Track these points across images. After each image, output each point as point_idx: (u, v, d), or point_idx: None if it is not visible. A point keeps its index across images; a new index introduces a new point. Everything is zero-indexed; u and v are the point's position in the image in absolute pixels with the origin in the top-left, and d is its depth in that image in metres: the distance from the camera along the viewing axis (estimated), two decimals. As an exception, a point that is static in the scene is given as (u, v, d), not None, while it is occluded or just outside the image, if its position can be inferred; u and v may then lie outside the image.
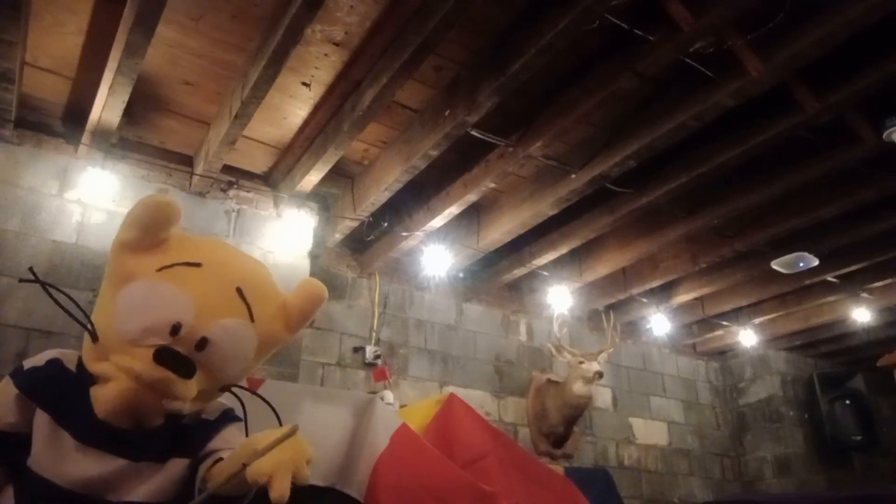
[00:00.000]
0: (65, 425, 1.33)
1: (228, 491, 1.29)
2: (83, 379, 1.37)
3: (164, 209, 1.41)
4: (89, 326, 1.38)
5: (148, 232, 1.40)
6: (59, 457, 1.32)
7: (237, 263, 1.54)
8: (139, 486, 1.37)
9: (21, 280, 1.48)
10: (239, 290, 1.43)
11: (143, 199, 1.43)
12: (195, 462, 1.45)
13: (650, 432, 5.72)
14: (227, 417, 1.53)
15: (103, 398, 1.31)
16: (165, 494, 1.41)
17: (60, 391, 1.37)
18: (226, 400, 1.56)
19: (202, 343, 1.35)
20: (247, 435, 1.49)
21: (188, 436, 1.45)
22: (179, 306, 1.34)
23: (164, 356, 1.30)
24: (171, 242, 1.43)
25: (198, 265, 1.40)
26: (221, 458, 1.41)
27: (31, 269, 1.47)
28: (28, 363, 1.43)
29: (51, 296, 1.40)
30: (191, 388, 1.35)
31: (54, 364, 1.41)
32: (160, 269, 1.37)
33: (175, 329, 1.32)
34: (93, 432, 1.33)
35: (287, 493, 1.20)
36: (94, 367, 1.35)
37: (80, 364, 1.42)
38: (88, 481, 1.32)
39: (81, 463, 1.31)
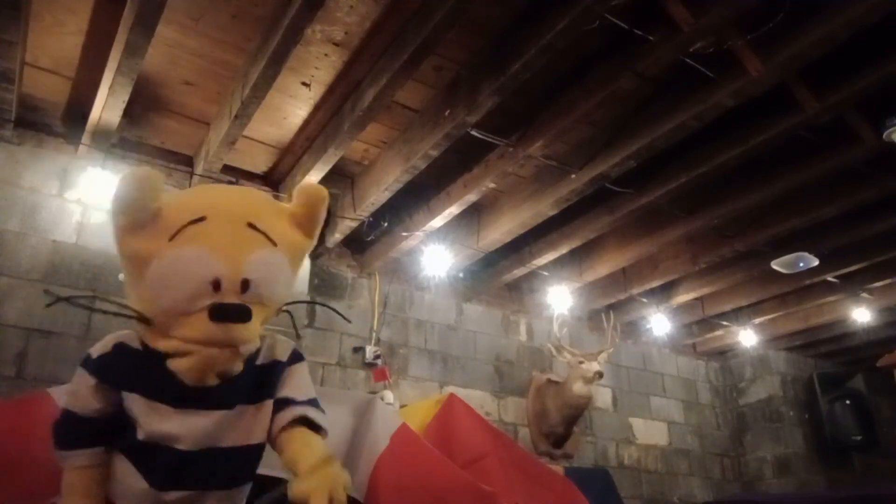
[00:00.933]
0: (155, 397, 1.41)
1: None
2: (152, 354, 1.43)
3: (146, 182, 1.43)
4: (136, 314, 1.44)
5: (139, 210, 1.42)
6: (163, 426, 1.41)
7: (236, 201, 1.57)
8: (241, 430, 1.48)
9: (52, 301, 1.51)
10: (250, 225, 1.47)
11: (122, 179, 1.44)
12: (275, 404, 1.55)
13: (650, 432, 5.72)
14: (295, 358, 1.62)
15: (186, 369, 1.39)
16: (264, 432, 1.51)
17: (137, 370, 1.44)
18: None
19: (245, 285, 1.41)
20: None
21: (267, 377, 1.55)
22: (208, 263, 1.39)
23: (218, 313, 1.37)
24: (165, 209, 1.44)
25: (202, 219, 1.43)
26: (291, 409, 1.52)
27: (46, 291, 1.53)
28: (95, 351, 1.49)
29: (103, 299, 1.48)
30: (253, 328, 1.42)
31: (121, 348, 1.47)
32: (171, 239, 1.40)
33: (216, 284, 1.37)
34: (184, 396, 1.41)
35: None
36: (163, 344, 1.42)
37: (143, 342, 1.47)
38: (196, 438, 1.42)
39: (185, 424, 1.41)
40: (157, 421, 1.41)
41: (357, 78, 3.18)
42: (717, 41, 2.82)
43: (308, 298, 1.69)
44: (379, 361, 4.37)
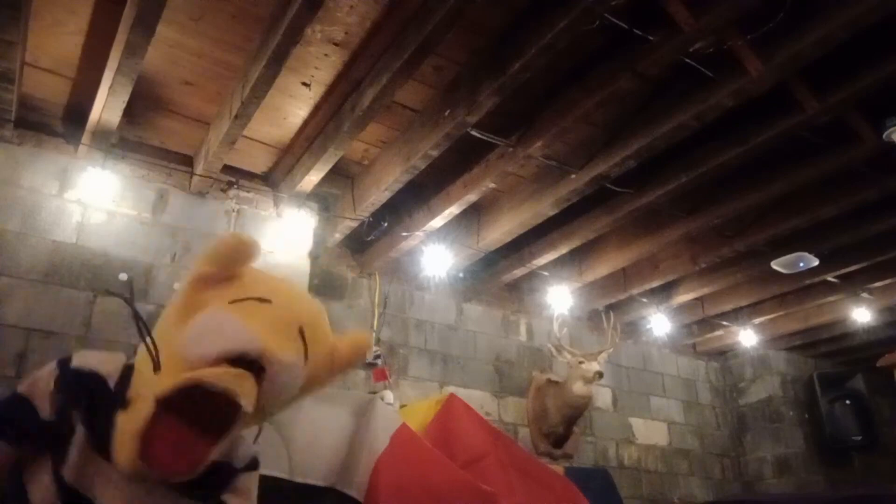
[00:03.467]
0: (98, 448, 1.33)
1: None
2: (119, 396, 1.36)
3: (244, 248, 1.46)
4: (153, 351, 1.37)
5: (225, 268, 1.45)
6: (93, 480, 1.32)
7: (303, 304, 1.59)
8: None
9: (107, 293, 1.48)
10: (300, 331, 1.47)
11: (224, 237, 1.49)
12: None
13: (650, 432, 5.72)
14: (250, 466, 1.56)
15: (116, 458, 1.29)
16: None
17: (102, 408, 1.35)
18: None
19: (260, 368, 1.38)
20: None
21: (214, 476, 1.46)
22: (246, 339, 1.37)
23: (237, 363, 1.34)
24: (244, 277, 1.48)
25: (268, 301, 1.45)
26: None
27: (126, 279, 1.50)
28: (78, 359, 1.42)
29: (140, 326, 1.40)
30: (253, 390, 1.36)
31: (96, 379, 1.39)
32: (232, 302, 1.41)
33: (242, 358, 1.35)
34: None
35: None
36: (153, 386, 1.33)
37: (124, 379, 1.40)
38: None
39: (123, 492, 1.33)
40: (90, 467, 1.32)
41: (357, 78, 3.18)
42: (717, 41, 2.82)
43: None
44: (379, 361, 4.36)
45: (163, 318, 1.49)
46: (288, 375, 1.44)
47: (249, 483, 1.55)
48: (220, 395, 1.30)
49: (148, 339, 1.38)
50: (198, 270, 1.46)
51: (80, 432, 1.34)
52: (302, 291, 1.73)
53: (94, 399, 1.37)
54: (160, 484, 1.36)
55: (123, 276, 1.44)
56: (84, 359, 1.44)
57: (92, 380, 1.39)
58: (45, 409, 1.36)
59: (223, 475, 1.49)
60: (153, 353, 1.37)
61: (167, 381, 1.30)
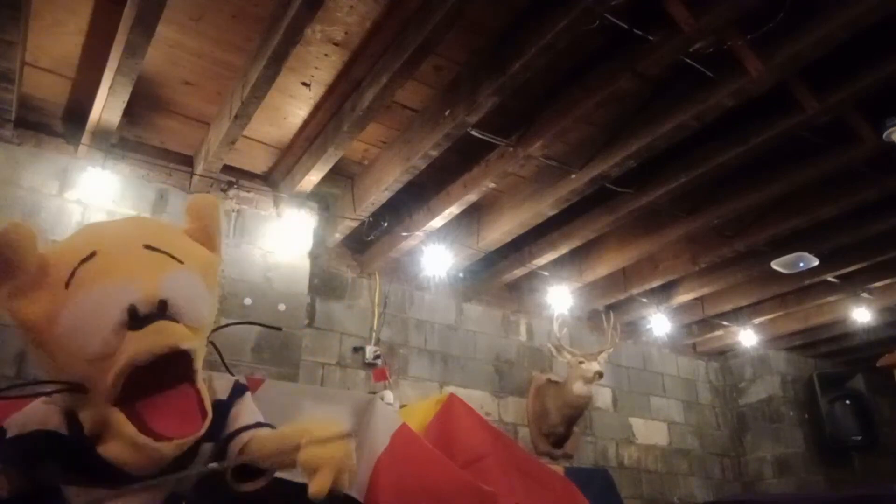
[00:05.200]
0: (93, 484, 1.26)
1: (268, 463, 1.32)
2: (82, 437, 1.28)
3: (16, 237, 1.27)
4: (68, 386, 1.27)
5: (20, 268, 1.26)
6: (101, 497, 1.27)
7: (123, 229, 1.47)
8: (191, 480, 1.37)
9: None
10: (148, 247, 1.36)
11: None
12: (219, 443, 1.44)
13: (650, 432, 5.72)
14: (237, 392, 1.52)
15: (121, 461, 1.25)
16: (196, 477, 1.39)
17: (65, 458, 1.28)
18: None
19: (162, 305, 1.29)
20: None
21: (214, 421, 1.42)
22: (117, 292, 1.26)
23: (136, 323, 1.24)
24: (50, 257, 1.31)
25: (93, 255, 1.31)
26: (245, 432, 1.41)
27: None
28: (11, 429, 1.29)
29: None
30: (181, 329, 1.29)
31: (40, 437, 1.28)
32: (67, 285, 1.27)
33: (132, 311, 1.25)
34: (127, 477, 1.27)
35: (326, 491, 1.20)
36: (105, 413, 1.27)
37: (70, 421, 1.31)
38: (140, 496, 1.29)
39: (141, 498, 1.29)
40: (94, 496, 1.25)
41: (357, 78, 3.18)
42: (717, 41, 2.82)
43: (227, 322, 1.58)
44: (379, 361, 4.37)
45: (36, 356, 1.36)
46: (182, 287, 1.35)
47: (244, 404, 1.50)
48: (160, 358, 1.24)
49: (49, 387, 1.28)
50: (1, 297, 1.29)
51: (66, 490, 1.26)
52: (110, 222, 1.60)
53: (57, 454, 1.28)
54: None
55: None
56: (20, 422, 1.31)
57: (44, 439, 1.29)
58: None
59: (219, 411, 1.44)
60: (66, 385, 1.27)
61: (106, 386, 1.23)
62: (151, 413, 1.25)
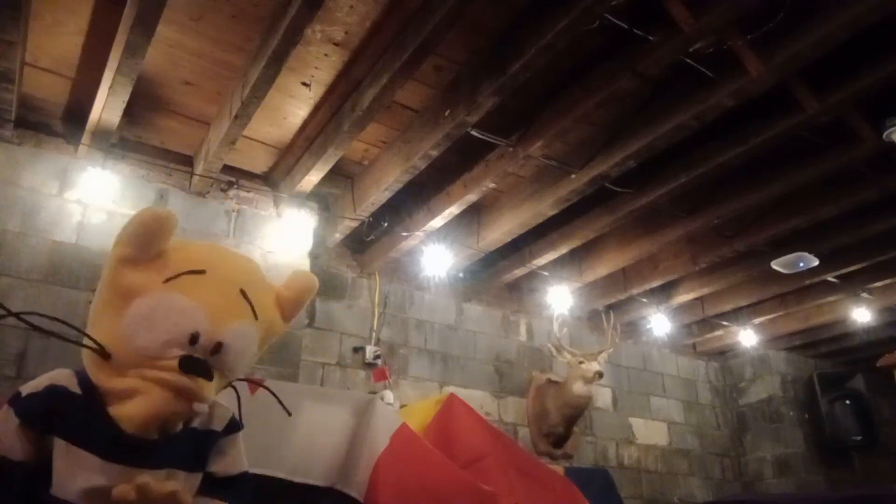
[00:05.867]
0: (83, 445, 1.33)
1: None
2: (92, 398, 1.37)
3: (162, 222, 1.42)
4: (95, 346, 1.39)
5: (146, 246, 1.41)
6: (83, 479, 1.31)
7: (237, 265, 1.59)
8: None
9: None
10: (242, 292, 1.48)
11: (140, 213, 1.44)
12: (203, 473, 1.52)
13: (650, 432, 5.72)
14: (231, 428, 1.58)
15: (135, 413, 1.32)
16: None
17: (70, 415, 1.35)
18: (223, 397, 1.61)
19: (217, 348, 1.41)
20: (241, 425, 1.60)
21: (201, 446, 1.50)
22: (193, 316, 1.38)
23: (189, 364, 1.36)
24: (170, 252, 1.45)
25: (202, 272, 1.44)
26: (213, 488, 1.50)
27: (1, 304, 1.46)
28: (26, 389, 1.39)
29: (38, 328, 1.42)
30: (210, 389, 1.42)
31: (54, 390, 1.38)
32: (166, 281, 1.40)
33: (194, 339, 1.37)
34: (116, 448, 1.33)
35: None
36: (114, 383, 1.36)
37: (83, 383, 1.40)
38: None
39: (108, 479, 1.31)
40: (76, 472, 1.30)
41: (357, 78, 3.18)
42: (717, 41, 2.82)
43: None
44: (379, 361, 4.37)
45: (93, 309, 1.47)
46: (242, 340, 1.47)
47: (232, 444, 1.57)
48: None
49: (85, 339, 1.39)
50: (118, 254, 1.42)
51: (59, 445, 1.32)
52: (233, 252, 1.72)
53: (66, 408, 1.35)
54: (147, 460, 1.36)
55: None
56: (34, 383, 1.40)
57: (55, 393, 1.37)
58: (16, 451, 1.32)
59: (209, 441, 1.51)
60: (95, 347, 1.37)
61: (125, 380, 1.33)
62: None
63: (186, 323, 1.37)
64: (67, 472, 1.31)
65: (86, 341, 1.39)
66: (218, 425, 1.54)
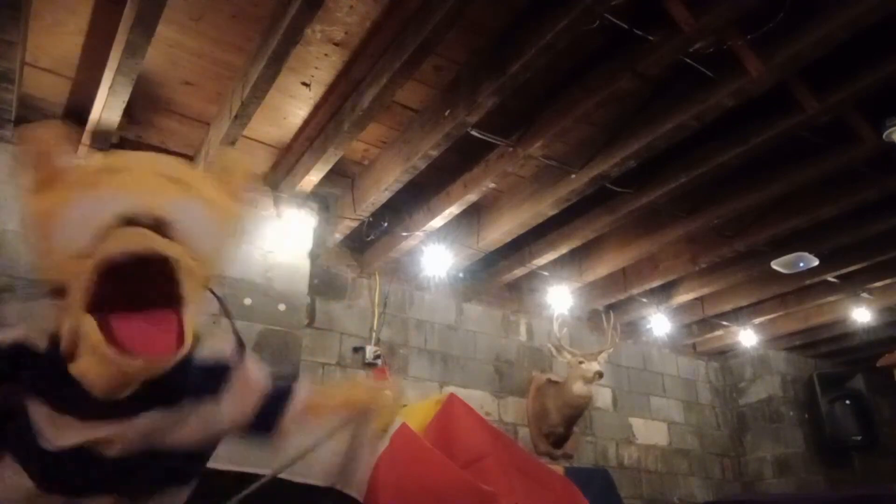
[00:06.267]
0: (59, 410, 1.20)
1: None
2: (56, 354, 1.22)
3: (55, 136, 1.29)
4: (50, 288, 1.23)
5: (47, 163, 1.27)
6: (82, 434, 1.19)
7: (151, 157, 1.41)
8: (194, 426, 1.29)
9: None
10: (166, 175, 1.29)
11: (28, 133, 1.29)
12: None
13: (650, 432, 5.72)
14: (241, 350, 1.46)
15: (87, 371, 1.18)
16: (189, 441, 1.32)
17: (38, 374, 1.22)
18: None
19: (161, 221, 1.19)
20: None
21: (207, 380, 1.35)
22: (117, 199, 1.20)
23: (126, 223, 1.17)
24: (75, 166, 1.30)
25: (115, 170, 1.28)
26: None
27: None
28: None
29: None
30: (170, 243, 1.19)
31: (19, 348, 1.24)
32: (76, 184, 1.24)
33: (126, 217, 1.17)
34: (94, 407, 1.19)
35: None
36: (63, 326, 1.21)
37: (51, 339, 1.25)
38: (130, 441, 1.21)
39: (111, 428, 1.20)
40: (67, 433, 1.19)
41: (357, 78, 3.17)
42: (717, 41, 2.82)
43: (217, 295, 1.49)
44: (379, 361, 4.37)
45: (36, 261, 1.29)
46: (190, 213, 1.26)
47: (247, 367, 1.43)
48: (143, 263, 1.14)
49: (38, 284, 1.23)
50: (24, 186, 1.28)
51: (33, 406, 1.20)
52: (150, 154, 1.59)
53: (30, 370, 1.22)
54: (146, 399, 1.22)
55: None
56: (1, 333, 1.26)
57: (21, 355, 1.23)
58: None
59: (222, 374, 1.37)
60: (50, 284, 1.22)
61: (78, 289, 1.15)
62: (123, 326, 1.16)
63: (111, 208, 1.18)
64: (55, 433, 1.19)
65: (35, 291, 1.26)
66: (224, 353, 1.41)
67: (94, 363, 1.17)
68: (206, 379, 1.34)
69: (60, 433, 1.18)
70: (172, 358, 1.19)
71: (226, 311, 1.47)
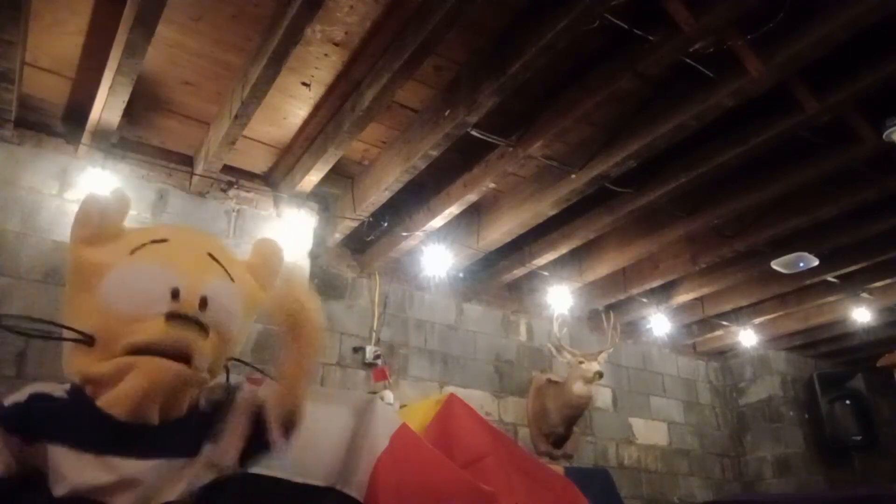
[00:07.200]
0: (81, 446, 1.26)
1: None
2: (80, 397, 1.32)
3: (117, 201, 1.45)
4: (77, 335, 1.34)
5: (105, 224, 1.43)
6: (93, 476, 1.25)
7: (197, 235, 1.61)
8: (179, 484, 1.33)
9: None
10: (210, 255, 1.46)
11: (90, 195, 1.47)
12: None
13: (650, 432, 5.72)
14: (236, 388, 1.53)
15: (125, 392, 1.28)
16: (195, 484, 1.37)
17: (59, 417, 1.29)
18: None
19: (203, 302, 1.36)
20: None
21: (213, 424, 1.43)
22: (169, 274, 1.35)
23: (176, 316, 1.32)
24: (129, 231, 1.46)
25: (165, 240, 1.43)
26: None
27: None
28: (8, 400, 1.33)
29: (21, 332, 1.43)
30: (206, 347, 1.36)
31: (38, 397, 1.32)
32: (133, 252, 1.39)
33: (175, 293, 1.33)
34: (111, 440, 1.27)
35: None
36: (101, 367, 1.31)
37: (70, 390, 1.35)
38: (133, 490, 1.26)
39: (118, 471, 1.26)
40: (84, 472, 1.24)
41: (357, 78, 3.18)
42: (717, 41, 2.82)
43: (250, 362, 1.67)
44: (379, 361, 4.37)
45: (67, 302, 1.46)
46: (226, 296, 1.43)
47: (242, 398, 1.49)
48: (171, 352, 1.30)
49: (65, 332, 1.35)
50: (76, 236, 1.43)
51: (51, 451, 1.25)
52: (190, 227, 1.77)
53: (52, 412, 1.29)
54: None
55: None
56: (17, 394, 1.34)
57: (39, 398, 1.31)
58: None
59: (223, 415, 1.44)
60: (77, 333, 1.33)
61: (116, 346, 1.29)
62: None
63: (164, 280, 1.34)
64: (72, 471, 1.25)
65: (66, 333, 1.35)
66: (221, 396, 1.48)
67: (130, 380, 1.27)
68: (206, 425, 1.42)
69: (79, 472, 1.24)
70: (200, 373, 1.34)
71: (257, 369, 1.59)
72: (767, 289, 5.22)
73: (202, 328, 1.35)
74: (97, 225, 1.42)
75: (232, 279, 1.46)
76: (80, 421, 1.29)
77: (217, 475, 1.41)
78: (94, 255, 1.40)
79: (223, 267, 1.46)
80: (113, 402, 1.28)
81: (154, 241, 1.42)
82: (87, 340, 1.33)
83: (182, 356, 1.32)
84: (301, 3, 2.49)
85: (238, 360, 1.55)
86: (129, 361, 1.29)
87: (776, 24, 2.70)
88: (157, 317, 1.31)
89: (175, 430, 1.34)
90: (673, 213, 4.23)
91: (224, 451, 1.42)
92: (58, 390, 1.35)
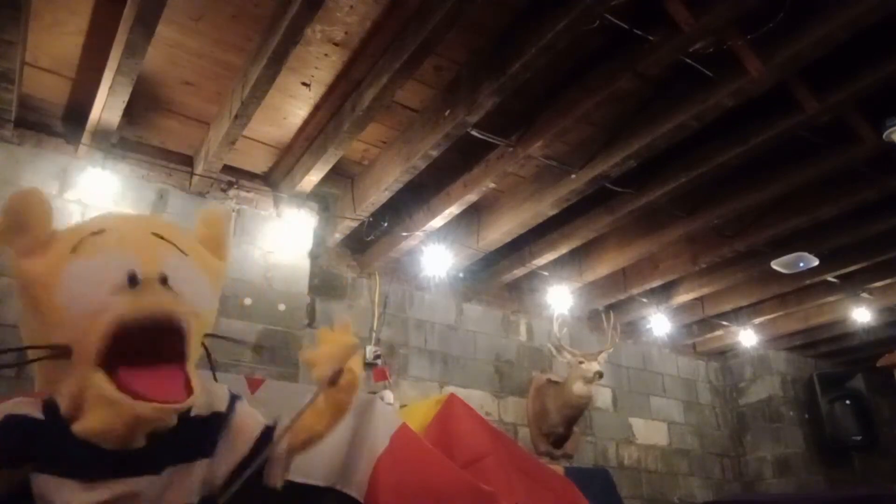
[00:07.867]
0: (63, 474, 1.21)
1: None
2: (57, 420, 1.24)
3: (40, 201, 1.35)
4: (47, 351, 1.26)
5: (27, 226, 1.32)
6: (85, 498, 1.20)
7: (136, 218, 1.55)
8: (171, 496, 1.31)
9: None
10: (156, 234, 1.38)
11: (11, 199, 1.35)
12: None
13: (650, 432, 5.72)
14: (234, 401, 1.50)
15: (95, 425, 1.20)
16: (193, 496, 1.36)
17: (36, 444, 1.22)
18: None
19: (163, 279, 1.27)
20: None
21: (204, 431, 1.40)
22: (120, 262, 1.26)
23: (135, 286, 1.23)
24: (60, 232, 1.36)
25: (103, 230, 1.35)
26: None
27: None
28: None
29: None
30: (180, 302, 1.28)
31: (13, 420, 1.23)
32: (74, 249, 1.30)
33: (132, 277, 1.24)
34: (100, 464, 1.22)
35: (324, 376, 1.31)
36: (69, 386, 1.24)
37: (48, 406, 1.27)
38: (131, 499, 1.23)
39: (104, 496, 1.21)
40: (74, 495, 1.19)
41: (357, 78, 3.18)
42: (717, 41, 2.82)
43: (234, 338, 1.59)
44: (379, 361, 4.37)
45: (23, 324, 1.37)
46: (186, 271, 1.35)
47: (245, 415, 1.48)
48: (152, 323, 1.22)
49: (31, 352, 1.27)
50: (11, 250, 1.33)
51: (35, 478, 1.20)
52: (126, 212, 1.66)
53: (31, 439, 1.22)
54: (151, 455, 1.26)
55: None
56: None
57: (14, 424, 1.23)
58: None
59: (215, 425, 1.42)
60: (50, 348, 1.25)
61: (93, 346, 1.21)
62: (134, 378, 1.21)
63: (116, 267, 1.24)
64: (53, 500, 1.20)
65: (32, 353, 1.27)
66: (220, 405, 1.45)
67: (102, 415, 1.20)
68: (202, 433, 1.39)
69: (69, 496, 1.19)
70: (182, 404, 1.25)
71: (212, 366, 1.51)
72: (767, 289, 5.22)
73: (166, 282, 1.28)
74: (22, 229, 1.32)
75: (185, 253, 1.39)
76: (60, 449, 1.21)
77: (209, 492, 1.40)
78: (34, 264, 1.29)
79: (172, 243, 1.37)
80: (86, 432, 1.21)
81: (93, 234, 1.33)
82: (64, 352, 1.24)
83: (169, 327, 1.25)
84: (301, 3, 2.49)
85: (215, 336, 1.47)
86: (86, 387, 1.20)
87: (776, 24, 2.70)
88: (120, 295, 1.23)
89: (167, 442, 1.29)
90: (673, 213, 4.23)
91: (217, 467, 1.41)
92: (35, 408, 1.26)
